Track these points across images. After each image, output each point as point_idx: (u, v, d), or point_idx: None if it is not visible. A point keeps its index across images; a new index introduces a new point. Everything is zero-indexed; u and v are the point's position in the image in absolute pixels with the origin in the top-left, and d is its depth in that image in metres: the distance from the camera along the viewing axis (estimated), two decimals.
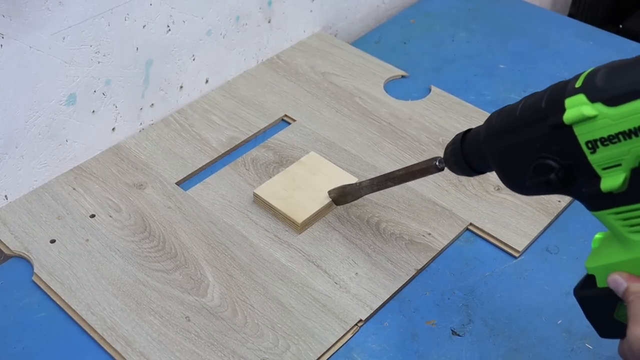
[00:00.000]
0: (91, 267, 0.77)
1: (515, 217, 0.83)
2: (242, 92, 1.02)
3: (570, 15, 1.66)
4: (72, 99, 0.86)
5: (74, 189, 0.87)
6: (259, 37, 1.06)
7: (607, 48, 1.14)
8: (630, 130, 0.46)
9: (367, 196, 0.83)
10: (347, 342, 0.71)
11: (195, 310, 0.73)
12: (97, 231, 0.81)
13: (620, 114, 0.46)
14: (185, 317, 0.72)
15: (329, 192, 0.83)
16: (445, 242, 0.80)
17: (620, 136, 0.47)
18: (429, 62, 1.11)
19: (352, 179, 0.85)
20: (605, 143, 0.48)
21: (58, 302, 0.74)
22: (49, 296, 0.75)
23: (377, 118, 0.98)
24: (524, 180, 0.55)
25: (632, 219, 0.50)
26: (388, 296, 0.75)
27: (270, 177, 0.87)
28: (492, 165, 0.59)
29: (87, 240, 0.80)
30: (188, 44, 0.96)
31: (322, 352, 0.69)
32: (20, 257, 0.79)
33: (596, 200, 0.51)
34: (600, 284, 0.55)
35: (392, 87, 1.05)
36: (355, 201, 0.83)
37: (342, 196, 0.82)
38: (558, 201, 0.85)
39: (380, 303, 0.74)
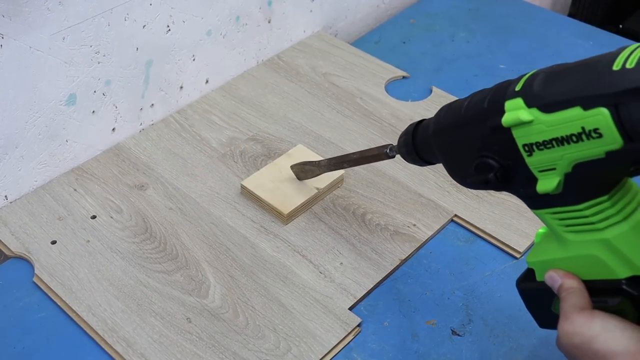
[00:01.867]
0: (92, 268, 0.77)
1: (517, 218, 0.83)
2: (242, 93, 1.02)
3: (570, 15, 1.66)
4: (72, 99, 0.86)
5: (75, 189, 0.87)
6: (259, 37, 1.06)
7: (607, 48, 1.12)
8: (562, 137, 0.47)
9: (354, 188, 0.86)
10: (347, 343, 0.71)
11: (196, 311, 0.73)
12: (98, 232, 0.81)
13: (554, 121, 0.47)
14: (187, 319, 0.72)
15: (291, 167, 0.85)
16: (430, 233, 0.81)
17: (554, 142, 0.48)
18: (429, 62, 1.11)
19: (338, 171, 0.86)
20: (541, 147, 0.49)
21: (59, 303, 0.74)
22: (49, 297, 0.75)
23: (378, 119, 0.98)
24: (466, 176, 0.56)
25: (567, 220, 0.52)
26: (372, 285, 0.76)
27: (258, 170, 0.88)
28: (440, 159, 0.61)
29: (88, 241, 0.80)
30: (188, 44, 0.96)
31: (324, 354, 0.69)
32: (21, 258, 0.79)
33: (534, 200, 0.53)
34: (539, 277, 0.56)
35: (393, 87, 1.05)
36: (342, 193, 0.85)
37: (302, 172, 0.84)
38: None
39: (364, 292, 0.75)
